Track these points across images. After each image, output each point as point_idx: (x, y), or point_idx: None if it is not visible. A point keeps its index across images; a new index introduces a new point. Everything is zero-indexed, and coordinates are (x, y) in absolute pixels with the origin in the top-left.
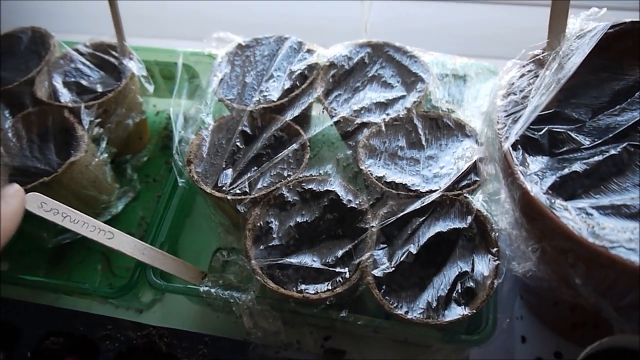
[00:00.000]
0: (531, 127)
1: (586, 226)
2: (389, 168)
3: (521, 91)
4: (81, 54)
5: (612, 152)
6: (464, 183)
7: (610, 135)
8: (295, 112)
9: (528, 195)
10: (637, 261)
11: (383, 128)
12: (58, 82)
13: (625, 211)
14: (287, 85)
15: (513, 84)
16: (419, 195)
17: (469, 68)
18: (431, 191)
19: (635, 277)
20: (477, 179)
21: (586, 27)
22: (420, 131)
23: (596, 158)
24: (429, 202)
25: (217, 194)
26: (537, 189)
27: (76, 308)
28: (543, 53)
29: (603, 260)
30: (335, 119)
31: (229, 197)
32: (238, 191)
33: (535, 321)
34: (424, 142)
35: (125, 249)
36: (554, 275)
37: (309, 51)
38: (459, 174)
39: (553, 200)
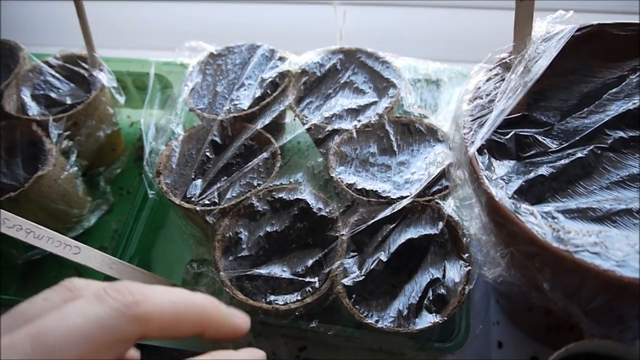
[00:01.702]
0: (498, 131)
1: (551, 230)
2: (360, 175)
3: (487, 95)
4: (51, 66)
5: (579, 154)
6: (435, 189)
7: (578, 138)
8: (266, 120)
9: (493, 200)
10: (602, 265)
11: (354, 134)
12: (26, 95)
13: (591, 214)
14: (258, 93)
15: (479, 88)
16: (390, 201)
17: (442, 73)
18: (402, 197)
19: (601, 281)
20: (449, 184)
21: (552, 30)
22: (392, 137)
23: (563, 161)
24: (399, 208)
25: (186, 205)
26: (502, 194)
27: None
28: (509, 56)
29: (568, 265)
30: (306, 127)
31: (197, 208)
32: (207, 202)
33: (512, 326)
34: (395, 148)
35: (92, 264)
36: (523, 280)
37: (281, 59)
38: (430, 179)
39: (518, 205)
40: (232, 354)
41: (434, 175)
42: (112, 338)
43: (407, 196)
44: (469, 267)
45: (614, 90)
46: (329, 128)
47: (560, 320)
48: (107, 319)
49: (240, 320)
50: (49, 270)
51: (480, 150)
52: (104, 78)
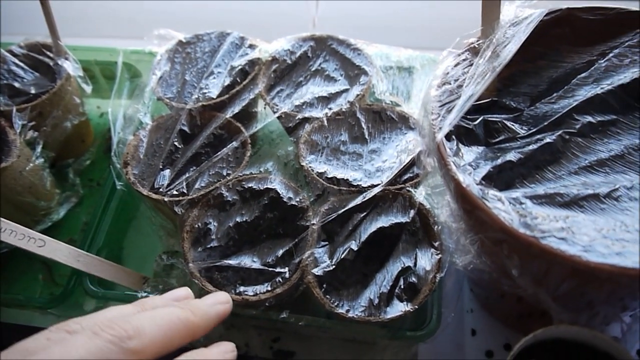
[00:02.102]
0: (467, 117)
1: (518, 217)
2: (330, 163)
3: (455, 80)
4: (15, 55)
5: (548, 140)
6: (406, 176)
7: (546, 123)
8: (236, 109)
9: (461, 186)
10: (568, 250)
11: (325, 123)
12: None
13: (559, 200)
14: (228, 81)
15: (448, 73)
16: (361, 190)
17: (414, 60)
18: (373, 186)
19: (567, 267)
20: (420, 172)
21: (521, 14)
22: (363, 125)
23: (531, 147)
24: (370, 197)
25: (154, 196)
26: (469, 180)
27: (16, 322)
28: (478, 41)
29: (535, 251)
30: (277, 115)
31: (165, 199)
32: (175, 192)
33: (485, 314)
34: (367, 136)
35: (58, 257)
36: (493, 267)
37: (251, 46)
38: (401, 167)
39: (486, 191)
40: (204, 352)
41: (405, 163)
42: None
43: (378, 184)
44: (440, 255)
45: (582, 75)
46: (300, 116)
47: (532, 307)
48: (107, 352)
49: (220, 307)
50: (18, 264)
51: (448, 137)
52: (70, 67)
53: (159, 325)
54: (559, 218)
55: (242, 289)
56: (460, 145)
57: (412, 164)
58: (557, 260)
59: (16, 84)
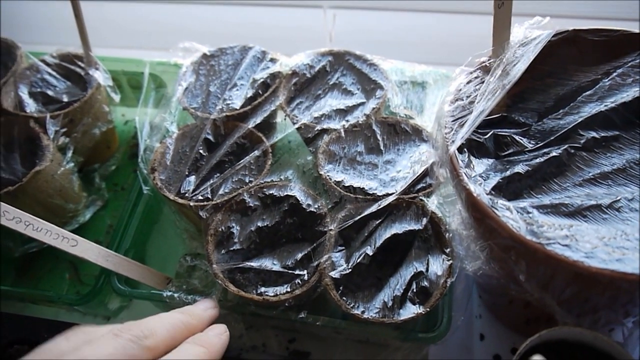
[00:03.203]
0: (478, 131)
1: (525, 224)
2: (347, 173)
3: (468, 97)
4: (48, 64)
5: (554, 153)
6: (420, 186)
7: (553, 138)
8: (258, 119)
9: (472, 196)
10: (571, 256)
11: (342, 134)
12: (24, 93)
13: (564, 209)
14: (250, 93)
15: (460, 89)
16: (376, 198)
17: (427, 75)
18: (388, 194)
19: (571, 272)
20: (432, 182)
21: (530, 35)
22: (378, 137)
23: (538, 160)
24: (385, 205)
25: (180, 201)
26: (480, 190)
27: (43, 316)
28: (489, 60)
29: (540, 257)
30: (296, 126)
31: (191, 204)
32: (200, 197)
33: (493, 319)
34: (382, 147)
35: (89, 256)
36: (502, 273)
37: (272, 60)
38: (415, 177)
39: (495, 201)
40: (202, 336)
41: (418, 174)
42: None
43: (393, 193)
44: (451, 261)
45: (587, 93)
46: (318, 128)
47: (539, 312)
48: (129, 349)
49: (211, 310)
50: (45, 263)
51: (460, 149)
52: (100, 77)
53: (166, 327)
54: (563, 226)
55: (262, 289)
56: (472, 158)
57: (425, 174)
58: (561, 266)
59: (49, 92)
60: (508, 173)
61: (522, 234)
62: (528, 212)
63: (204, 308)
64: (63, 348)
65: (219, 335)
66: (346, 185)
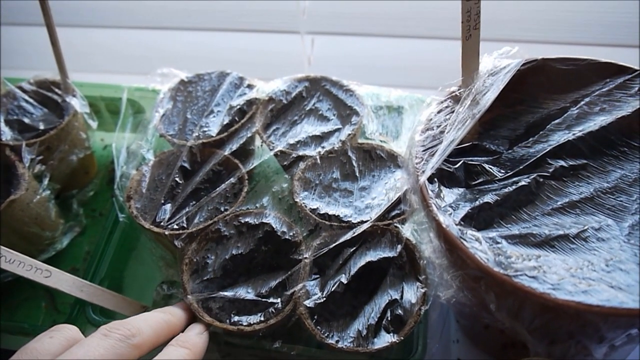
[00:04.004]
0: (449, 159)
1: (494, 255)
2: (323, 200)
3: (438, 126)
4: (24, 91)
5: (523, 182)
6: (394, 213)
7: (522, 167)
8: (234, 146)
9: (441, 227)
10: (538, 288)
11: (318, 161)
12: (0, 121)
13: (532, 239)
14: (227, 120)
15: (431, 119)
16: (351, 226)
17: (403, 100)
18: (363, 222)
19: (538, 303)
20: (406, 209)
21: (499, 64)
22: (354, 163)
23: (508, 189)
24: (360, 232)
25: (155, 229)
26: (449, 221)
27: (18, 347)
28: (459, 89)
29: (508, 288)
30: (272, 153)
31: (166, 232)
32: (176, 226)
33: (470, 344)
34: (357, 174)
35: (63, 287)
36: (474, 301)
37: (249, 86)
38: (389, 204)
39: (464, 231)
40: (184, 336)
41: (392, 200)
42: None
43: (367, 220)
44: (425, 289)
45: (556, 121)
46: (294, 154)
47: (514, 337)
48: (118, 348)
49: (189, 312)
50: (21, 292)
51: (430, 179)
52: (77, 104)
53: (151, 326)
54: (531, 257)
55: (237, 318)
56: (442, 187)
57: (399, 201)
58: (528, 297)
59: (26, 120)
60: (477, 203)
61: (490, 266)
62: (497, 243)
63: (184, 308)
64: (50, 348)
65: (200, 334)
66: (321, 212)
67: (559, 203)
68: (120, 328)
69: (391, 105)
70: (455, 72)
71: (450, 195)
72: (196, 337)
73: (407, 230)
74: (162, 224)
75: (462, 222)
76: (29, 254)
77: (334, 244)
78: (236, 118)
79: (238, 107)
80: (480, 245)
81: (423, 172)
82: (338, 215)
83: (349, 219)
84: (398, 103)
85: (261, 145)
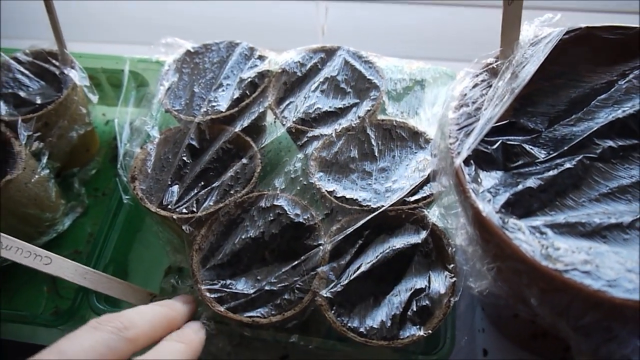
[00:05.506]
0: (485, 139)
1: (540, 247)
2: (339, 181)
3: (474, 102)
4: (20, 62)
5: (568, 165)
6: (419, 196)
7: (566, 148)
8: (245, 122)
9: (480, 215)
10: (592, 285)
11: (334, 139)
12: None
13: (581, 229)
14: (237, 94)
15: (465, 95)
16: (371, 210)
17: (426, 72)
18: (383, 206)
19: (591, 301)
20: (432, 192)
21: (540, 33)
22: (373, 142)
23: (551, 172)
24: (382, 216)
25: (162, 213)
26: (489, 208)
27: (18, 338)
28: (496, 62)
29: (557, 284)
30: (285, 129)
31: (174, 217)
32: (184, 210)
33: (497, 333)
34: (376, 154)
35: (65, 275)
36: (511, 294)
37: (260, 57)
38: (411, 188)
39: (506, 220)
40: (180, 332)
41: (415, 184)
42: (115, 356)
43: (388, 204)
44: (455, 279)
45: (602, 96)
46: (310, 134)
47: (546, 328)
48: (110, 341)
49: (191, 305)
50: (22, 276)
51: (466, 161)
52: (76, 76)
53: (147, 319)
54: (581, 250)
55: (251, 309)
56: (479, 171)
57: (423, 184)
58: (580, 295)
59: (21, 93)
60: (519, 188)
61: (537, 259)
62: (542, 233)
63: (185, 301)
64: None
65: (197, 331)
66: (338, 195)
67: (607, 188)
68: (112, 320)
69: (413, 77)
70: (484, 42)
71: (488, 179)
72: (193, 333)
73: (433, 215)
74: (169, 207)
75: (502, 210)
76: (29, 236)
77: (352, 229)
78: (247, 92)
79: (249, 80)
80: (524, 236)
81: (458, 153)
82: (356, 199)
83: (368, 203)
84: (421, 75)
85: (275, 121)
